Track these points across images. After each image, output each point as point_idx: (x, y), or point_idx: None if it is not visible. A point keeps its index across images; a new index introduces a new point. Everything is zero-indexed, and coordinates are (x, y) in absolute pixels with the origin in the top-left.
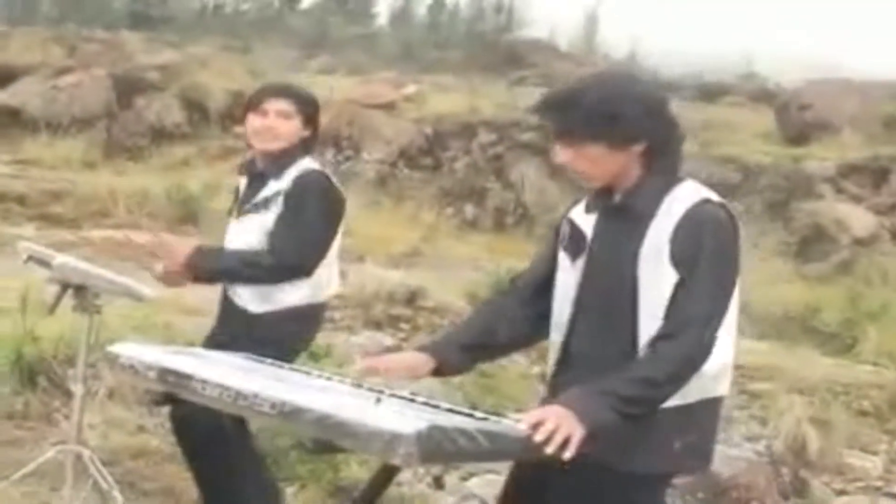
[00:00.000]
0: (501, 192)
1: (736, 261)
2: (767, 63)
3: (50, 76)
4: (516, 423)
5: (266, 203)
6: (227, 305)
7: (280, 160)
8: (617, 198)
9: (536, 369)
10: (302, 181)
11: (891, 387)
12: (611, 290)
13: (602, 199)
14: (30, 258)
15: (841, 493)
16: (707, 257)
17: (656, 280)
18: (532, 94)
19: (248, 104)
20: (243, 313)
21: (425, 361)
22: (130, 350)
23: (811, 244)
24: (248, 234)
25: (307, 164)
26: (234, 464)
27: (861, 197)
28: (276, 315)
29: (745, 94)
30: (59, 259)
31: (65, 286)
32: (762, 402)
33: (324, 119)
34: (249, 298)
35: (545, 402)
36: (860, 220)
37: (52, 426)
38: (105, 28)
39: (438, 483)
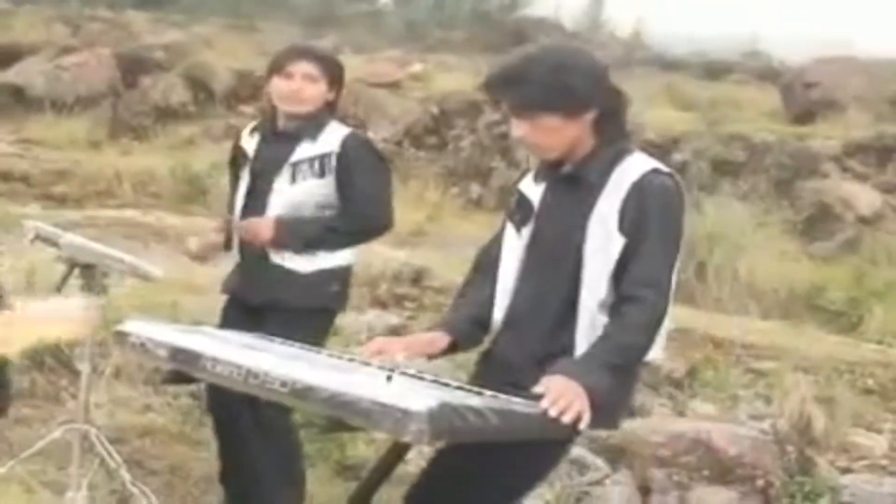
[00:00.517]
0: (506, 172)
1: (681, 228)
2: (773, 41)
3: (54, 55)
4: (528, 403)
5: (318, 166)
6: (264, 268)
7: (312, 122)
8: (567, 168)
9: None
10: (353, 143)
11: None
12: (555, 255)
13: (551, 169)
14: (37, 237)
15: (846, 471)
16: (657, 223)
17: (603, 246)
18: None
19: (272, 67)
20: (290, 273)
21: (441, 340)
22: (141, 328)
23: (816, 223)
24: (306, 199)
25: (340, 126)
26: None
27: (866, 175)
28: (323, 274)
29: (750, 73)
30: (67, 238)
31: (72, 265)
32: (767, 380)
33: None
34: (293, 258)
35: (478, 365)
36: (865, 198)
37: (58, 405)
38: (109, 7)
39: None
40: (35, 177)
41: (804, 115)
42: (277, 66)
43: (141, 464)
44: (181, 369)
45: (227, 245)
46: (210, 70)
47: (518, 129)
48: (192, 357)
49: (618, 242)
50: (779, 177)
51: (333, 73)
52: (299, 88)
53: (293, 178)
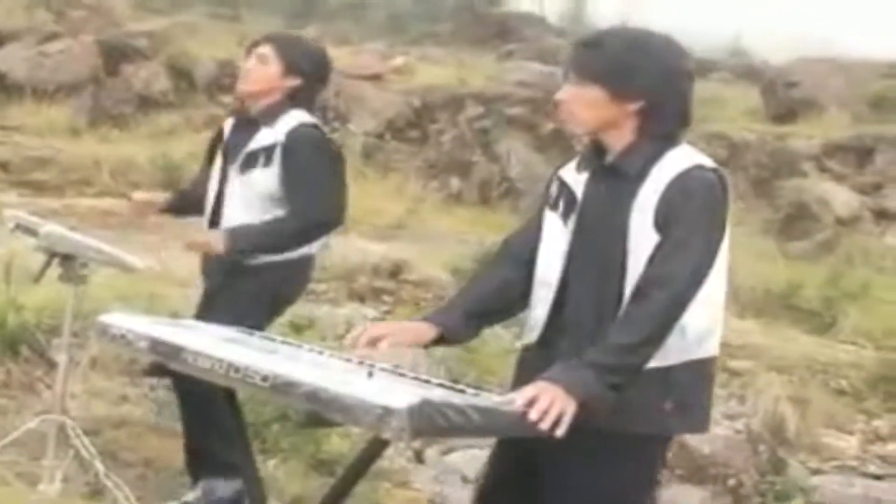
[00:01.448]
0: (487, 166)
1: (721, 224)
2: (755, 40)
3: (37, 42)
4: (508, 400)
5: (260, 155)
6: (221, 261)
7: (269, 109)
8: (609, 158)
9: (519, 344)
10: (295, 135)
11: (869, 366)
12: (602, 252)
13: (593, 158)
14: (17, 226)
15: (817, 471)
16: (687, 219)
17: (643, 244)
18: (521, 68)
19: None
20: (241, 266)
21: (428, 330)
22: (121, 320)
23: (794, 222)
24: (251, 190)
25: (300, 116)
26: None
27: (845, 176)
28: (272, 265)
29: (732, 71)
30: (47, 228)
31: (51, 255)
32: (742, 379)
33: None
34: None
35: (524, 366)
36: (843, 199)
37: (34, 395)
38: None
39: (419, 457)
40: (14, 164)
41: (785, 115)
42: (247, 51)
43: (115, 455)
44: (162, 362)
45: (170, 209)
46: (192, 59)
47: (563, 91)
48: (173, 350)
49: (653, 240)
50: (758, 176)
51: (292, 58)
52: (250, 68)
53: (246, 167)
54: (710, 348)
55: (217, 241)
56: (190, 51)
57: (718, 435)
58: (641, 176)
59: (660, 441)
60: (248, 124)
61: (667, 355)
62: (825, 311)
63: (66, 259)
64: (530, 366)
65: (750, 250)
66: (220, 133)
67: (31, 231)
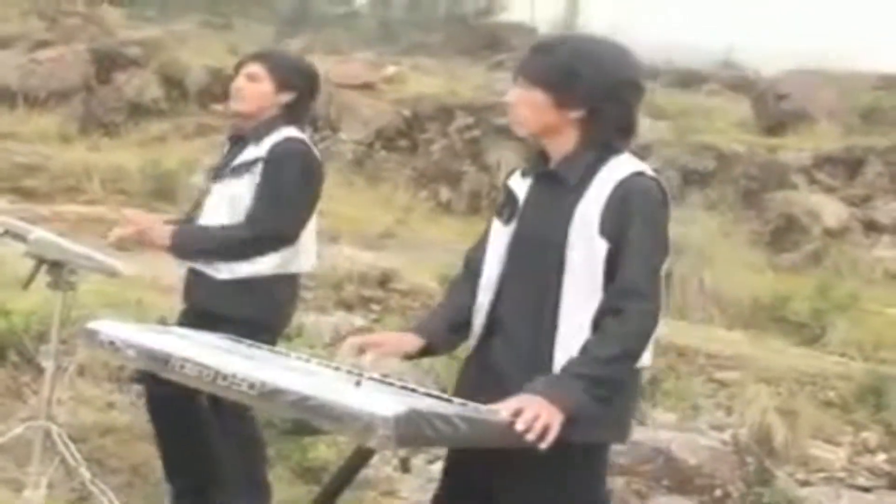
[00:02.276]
0: (477, 176)
1: (666, 232)
2: (747, 52)
3: (28, 49)
4: (494, 411)
5: (241, 169)
6: (192, 274)
7: (261, 126)
8: (552, 165)
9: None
10: (278, 148)
11: (857, 378)
12: (538, 256)
13: (537, 164)
14: (6, 232)
15: (804, 483)
16: (638, 229)
17: (585, 250)
18: (510, 79)
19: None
20: (210, 280)
21: (414, 341)
22: (110, 327)
23: (783, 234)
24: (221, 200)
25: (288, 132)
26: (208, 446)
27: (834, 188)
28: (240, 283)
29: (723, 83)
30: (36, 234)
31: (40, 261)
32: (729, 390)
33: None
34: (216, 266)
35: (468, 369)
36: (832, 211)
37: (20, 402)
38: (86, 2)
39: (405, 466)
40: (4, 171)
41: (775, 127)
42: (235, 69)
43: (101, 462)
44: (149, 369)
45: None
46: (184, 67)
47: (511, 94)
48: (160, 357)
49: (601, 247)
50: (747, 187)
51: (283, 76)
52: (241, 87)
53: (228, 180)
54: (646, 359)
55: (163, 235)
56: (181, 59)
57: (705, 446)
58: (582, 184)
59: (602, 449)
60: (239, 142)
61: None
62: (814, 322)
63: (55, 265)
64: (466, 370)
65: (738, 261)
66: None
67: (19, 237)
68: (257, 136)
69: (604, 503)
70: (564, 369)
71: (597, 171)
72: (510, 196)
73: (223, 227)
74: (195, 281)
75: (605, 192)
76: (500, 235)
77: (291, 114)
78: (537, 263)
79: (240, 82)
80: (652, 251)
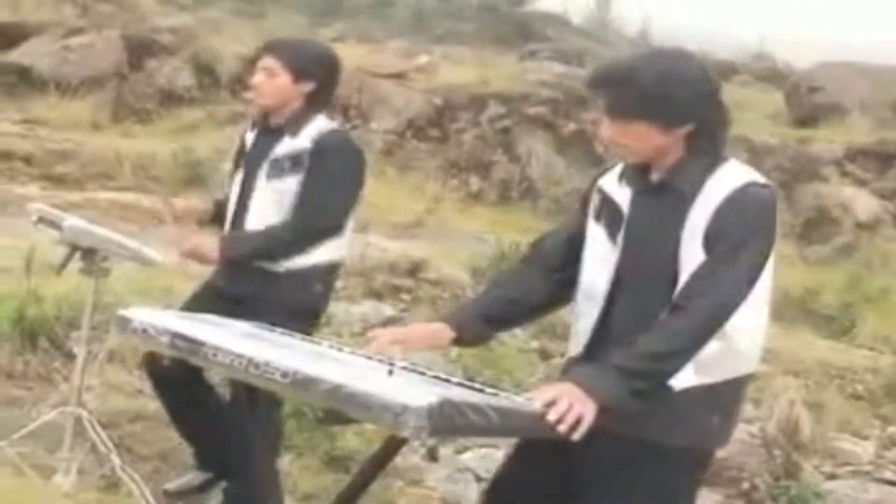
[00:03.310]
0: (507, 166)
1: (770, 242)
2: (779, 44)
3: (61, 36)
4: (528, 401)
5: (285, 162)
6: (247, 265)
7: (292, 117)
8: (656, 176)
9: (535, 344)
10: (323, 141)
11: (886, 372)
12: (652, 271)
13: (638, 174)
14: (40, 219)
15: (831, 476)
16: (737, 235)
17: (693, 263)
18: (543, 68)
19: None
20: (262, 272)
21: (445, 331)
22: (143, 314)
23: (814, 227)
24: (268, 196)
25: (324, 123)
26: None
27: (866, 181)
28: (299, 274)
29: (755, 74)
30: (70, 221)
31: (73, 248)
32: (758, 383)
33: None
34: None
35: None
36: (864, 203)
37: (51, 387)
38: None
39: (432, 455)
40: (36, 157)
41: (807, 119)
42: (255, 61)
43: (131, 449)
44: (182, 357)
45: (209, 220)
46: (216, 55)
47: (608, 129)
48: (193, 345)
49: (698, 255)
50: (779, 180)
51: (300, 66)
52: (260, 83)
53: (272, 174)
54: (753, 365)
55: (211, 250)
56: (214, 47)
57: (733, 438)
58: (693, 193)
59: (704, 454)
60: (270, 133)
61: (718, 372)
62: (843, 315)
63: (88, 253)
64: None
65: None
66: (242, 143)
67: (54, 224)
68: (293, 129)
69: None
70: (612, 360)
71: (706, 179)
72: (611, 204)
73: (268, 230)
74: (244, 270)
75: (716, 201)
76: (603, 244)
77: (316, 102)
78: (652, 277)
79: (258, 78)
80: (741, 258)
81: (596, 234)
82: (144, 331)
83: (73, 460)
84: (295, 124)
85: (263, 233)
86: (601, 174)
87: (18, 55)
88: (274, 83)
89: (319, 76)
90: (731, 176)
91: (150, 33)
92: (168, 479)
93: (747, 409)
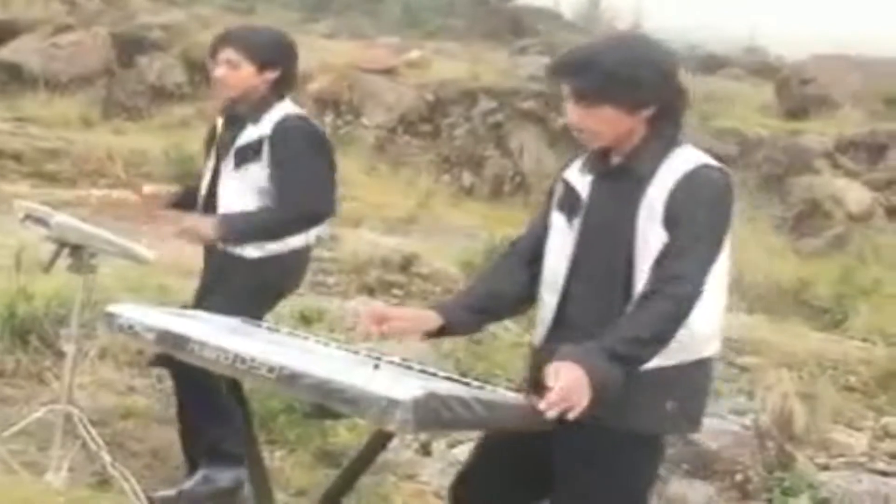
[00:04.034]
0: (499, 160)
1: (726, 224)
2: (770, 37)
3: (51, 33)
4: (514, 393)
5: (247, 150)
6: (221, 254)
7: (255, 105)
8: (615, 160)
9: (528, 338)
10: (282, 127)
11: (879, 363)
12: (608, 253)
13: (599, 160)
14: (27, 217)
15: (825, 468)
16: (695, 218)
17: (650, 242)
18: (534, 63)
19: (209, 53)
20: (240, 260)
21: (432, 318)
22: (129, 311)
23: (806, 219)
24: (235, 183)
25: (285, 107)
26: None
27: (858, 172)
28: (271, 259)
29: (746, 67)
30: (57, 218)
31: (62, 245)
32: (750, 375)
33: (324, 83)
34: (247, 246)
35: (535, 367)
36: (855, 195)
37: (42, 385)
38: None
39: (425, 450)
40: (27, 155)
41: (799, 112)
42: (211, 53)
43: (122, 446)
44: (169, 353)
45: (177, 203)
46: (207, 51)
47: (573, 114)
48: (179, 340)
49: (661, 238)
50: (770, 172)
51: (261, 56)
52: (223, 75)
53: (237, 163)
54: (713, 348)
55: (208, 228)
56: (204, 43)
57: (726, 430)
58: (650, 175)
59: (661, 439)
60: (237, 121)
61: (672, 355)
62: (836, 307)
63: (76, 249)
64: (536, 366)
65: (761, 246)
66: (213, 130)
67: (41, 221)
68: (255, 117)
69: (646, 494)
70: (599, 343)
71: (662, 161)
72: (571, 192)
73: (263, 212)
74: (224, 260)
75: (671, 182)
76: (562, 233)
77: (280, 88)
78: (608, 258)
79: (220, 71)
80: (706, 241)
81: (557, 223)
82: (131, 327)
83: (64, 458)
84: (256, 112)
85: (258, 214)
86: (566, 166)
87: (8, 53)
88: (238, 75)
89: (283, 63)
90: (685, 158)
91: (139, 30)
92: (159, 476)
93: (740, 401)
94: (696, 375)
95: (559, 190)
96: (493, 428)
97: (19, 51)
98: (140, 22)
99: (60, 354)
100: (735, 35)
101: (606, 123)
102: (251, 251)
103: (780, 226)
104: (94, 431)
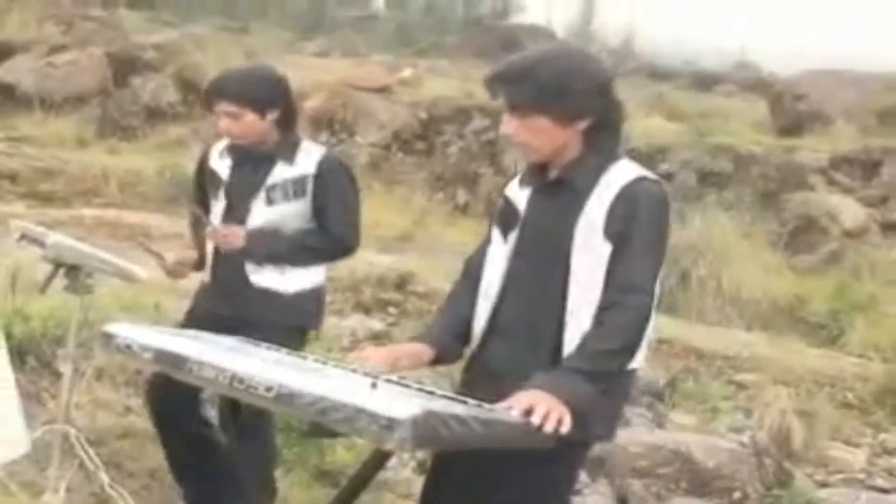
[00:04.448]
0: (493, 178)
1: (666, 235)
2: (763, 53)
3: (45, 53)
4: (508, 410)
5: (288, 189)
6: (241, 285)
7: (282, 146)
8: (553, 173)
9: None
10: (327, 165)
11: (876, 379)
12: (542, 263)
13: (537, 174)
14: (23, 237)
15: (823, 485)
16: (642, 229)
17: (589, 253)
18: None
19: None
20: (265, 292)
21: (425, 351)
22: (126, 330)
23: (801, 235)
24: (284, 222)
25: (313, 146)
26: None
27: (852, 188)
28: (303, 295)
29: (739, 84)
30: (53, 238)
31: (57, 265)
32: (748, 392)
33: (318, 101)
34: (272, 278)
35: (466, 370)
36: (850, 211)
37: (39, 405)
38: (103, 6)
39: (423, 468)
40: (22, 175)
41: (792, 128)
42: (206, 105)
43: (120, 466)
44: (166, 372)
45: (200, 264)
46: (201, 71)
47: (508, 125)
48: (177, 360)
49: (605, 249)
50: (765, 188)
51: (259, 101)
52: (227, 128)
53: (269, 201)
54: (636, 361)
55: (237, 237)
56: (198, 63)
57: (724, 448)
58: (588, 188)
59: (581, 447)
60: (257, 162)
61: None
62: (832, 323)
63: (72, 269)
64: (467, 375)
65: (757, 263)
66: (211, 173)
67: (37, 241)
68: (286, 156)
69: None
70: (567, 364)
71: (600, 175)
72: (509, 206)
73: (297, 234)
74: (253, 294)
75: (610, 195)
76: (499, 247)
77: (288, 123)
78: (542, 270)
79: (223, 124)
80: (654, 252)
81: (494, 237)
82: (128, 346)
83: (62, 478)
84: (286, 151)
85: (292, 238)
86: (507, 183)
87: (2, 72)
88: (242, 124)
89: (281, 101)
90: (622, 171)
91: (134, 50)
92: (157, 496)
93: (738, 419)
94: (629, 383)
95: (500, 206)
96: (491, 446)
97: (14, 70)
98: (134, 42)
99: (57, 374)
100: (727, 51)
101: (541, 135)
102: (282, 285)
103: (775, 242)
104: (91, 451)
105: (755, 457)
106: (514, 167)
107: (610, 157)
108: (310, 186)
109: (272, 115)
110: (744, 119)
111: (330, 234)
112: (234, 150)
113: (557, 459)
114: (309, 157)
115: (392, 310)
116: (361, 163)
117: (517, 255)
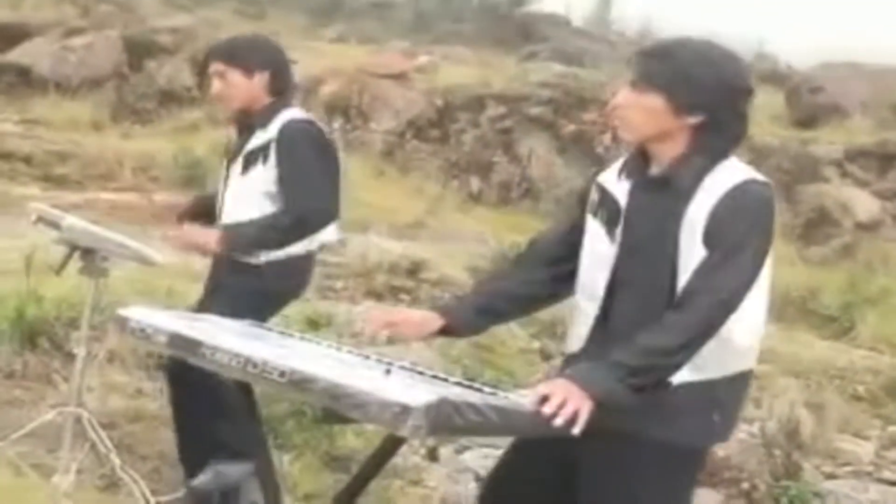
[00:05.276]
0: (508, 166)
1: (769, 239)
2: (780, 45)
3: (61, 36)
4: (524, 399)
5: (258, 155)
6: (224, 260)
7: (264, 111)
8: (655, 169)
9: (536, 344)
10: (287, 130)
11: (886, 372)
12: (650, 268)
13: (637, 167)
14: (39, 219)
15: (831, 476)
16: (738, 232)
17: (692, 260)
18: (544, 69)
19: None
20: (241, 265)
21: (434, 319)
22: (141, 314)
23: (815, 227)
24: (243, 189)
25: (292, 113)
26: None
27: (867, 181)
28: (274, 265)
29: (756, 75)
30: (69, 221)
31: (73, 248)
32: (758, 383)
33: (334, 87)
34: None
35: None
36: (864, 204)
37: (51, 387)
38: None
39: (433, 455)
40: (36, 158)
41: (808, 120)
42: (203, 66)
43: (131, 449)
44: (180, 356)
45: (189, 215)
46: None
47: (621, 95)
48: (191, 344)
49: (700, 254)
50: (779, 180)
51: (244, 59)
52: (217, 89)
53: (244, 168)
54: (751, 361)
55: (211, 241)
56: None
57: (733, 438)
58: (692, 190)
59: (702, 451)
60: (246, 130)
61: (715, 368)
62: (844, 316)
63: (87, 252)
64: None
65: (770, 255)
66: (229, 143)
67: (53, 224)
68: (263, 122)
69: None
70: (609, 357)
71: (706, 176)
72: (609, 198)
73: (264, 219)
74: (226, 265)
75: (715, 196)
76: (600, 240)
77: (278, 90)
78: (650, 271)
79: (214, 87)
80: (743, 257)
81: (594, 230)
82: (142, 330)
83: (73, 460)
84: (264, 117)
85: (260, 221)
86: (600, 171)
87: (18, 55)
88: (228, 84)
89: (269, 64)
90: (730, 173)
91: (150, 33)
92: (167, 479)
93: (748, 409)
94: (739, 387)
95: (594, 195)
96: (506, 434)
97: (29, 53)
98: (150, 25)
99: (70, 357)
100: (744, 42)
101: (649, 114)
102: (253, 257)
103: (788, 234)
104: (103, 434)
105: (764, 448)
106: (529, 156)
107: (717, 159)
108: (272, 152)
109: (258, 77)
110: (760, 111)
111: (291, 208)
112: (236, 121)
113: (681, 465)
114: (278, 123)
115: (404, 297)
116: (376, 150)
117: (625, 256)
